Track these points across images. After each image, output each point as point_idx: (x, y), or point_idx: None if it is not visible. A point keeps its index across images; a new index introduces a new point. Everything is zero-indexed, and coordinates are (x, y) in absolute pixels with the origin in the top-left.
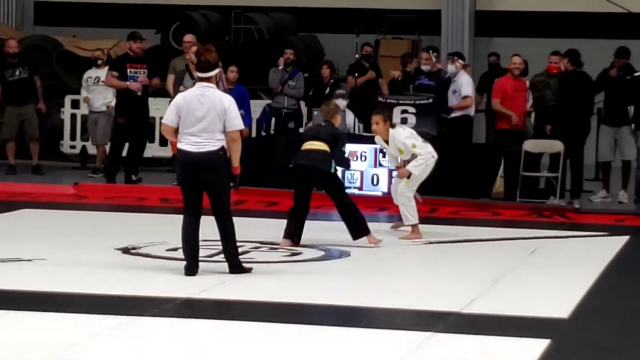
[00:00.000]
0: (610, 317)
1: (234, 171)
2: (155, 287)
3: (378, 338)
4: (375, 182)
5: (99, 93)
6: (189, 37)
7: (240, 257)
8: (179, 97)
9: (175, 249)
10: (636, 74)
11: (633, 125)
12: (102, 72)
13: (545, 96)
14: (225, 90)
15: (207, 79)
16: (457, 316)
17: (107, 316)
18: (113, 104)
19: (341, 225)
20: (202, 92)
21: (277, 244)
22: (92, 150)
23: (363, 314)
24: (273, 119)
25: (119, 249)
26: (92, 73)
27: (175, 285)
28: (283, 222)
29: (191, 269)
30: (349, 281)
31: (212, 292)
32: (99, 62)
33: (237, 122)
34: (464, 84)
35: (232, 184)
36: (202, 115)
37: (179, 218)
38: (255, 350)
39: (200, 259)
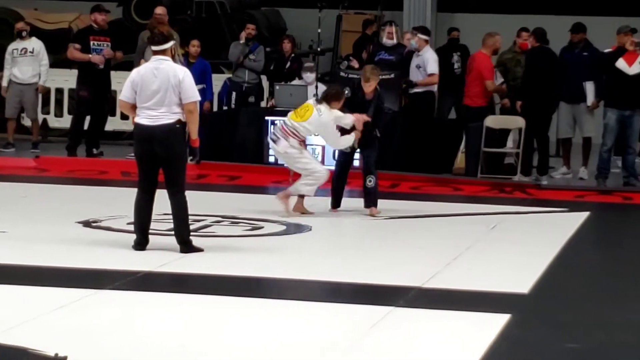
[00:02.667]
0: (570, 292)
1: (193, 144)
2: (115, 260)
3: (339, 312)
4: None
5: (27, 64)
6: (160, 10)
7: (201, 230)
8: (134, 72)
9: None
10: (607, 51)
11: (590, 102)
12: (28, 43)
13: (516, 73)
14: (181, 64)
15: (162, 52)
16: (418, 291)
17: (67, 289)
18: (43, 77)
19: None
20: (157, 65)
21: (239, 218)
22: (52, 123)
23: (323, 288)
24: (234, 94)
25: (80, 222)
26: (17, 45)
27: (136, 258)
28: (244, 196)
29: (140, 244)
30: (310, 256)
31: (172, 266)
32: (24, 33)
33: (192, 94)
34: (430, 61)
35: (192, 158)
36: (157, 88)
37: None
38: (214, 323)
39: (160, 232)
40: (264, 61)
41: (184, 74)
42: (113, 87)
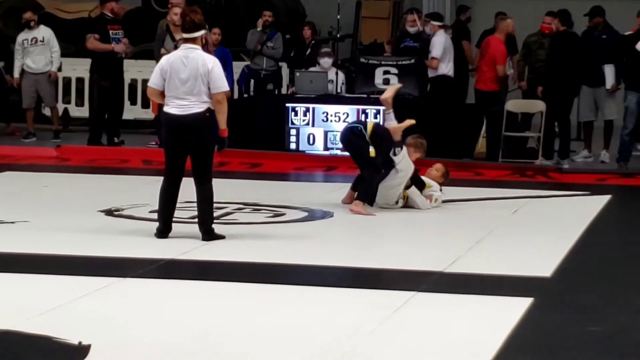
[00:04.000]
0: (592, 276)
1: (222, 134)
2: (138, 248)
3: (361, 297)
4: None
5: (39, 54)
6: None
7: (223, 218)
8: (164, 60)
9: None
10: (627, 33)
11: (609, 85)
12: (37, 32)
13: (538, 56)
14: (211, 53)
15: (192, 40)
16: (441, 275)
17: (90, 278)
18: (55, 64)
19: (326, 186)
20: (186, 53)
21: (261, 205)
22: (73, 112)
23: (345, 274)
24: (252, 81)
25: (102, 211)
26: (26, 35)
27: (159, 246)
28: (266, 183)
29: (163, 232)
30: (332, 242)
31: (194, 253)
32: (32, 23)
33: (221, 84)
34: (435, 45)
35: (219, 148)
36: (187, 77)
37: (162, 180)
38: (237, 310)
39: (182, 220)
40: (282, 48)
41: (214, 64)
42: (133, 76)
